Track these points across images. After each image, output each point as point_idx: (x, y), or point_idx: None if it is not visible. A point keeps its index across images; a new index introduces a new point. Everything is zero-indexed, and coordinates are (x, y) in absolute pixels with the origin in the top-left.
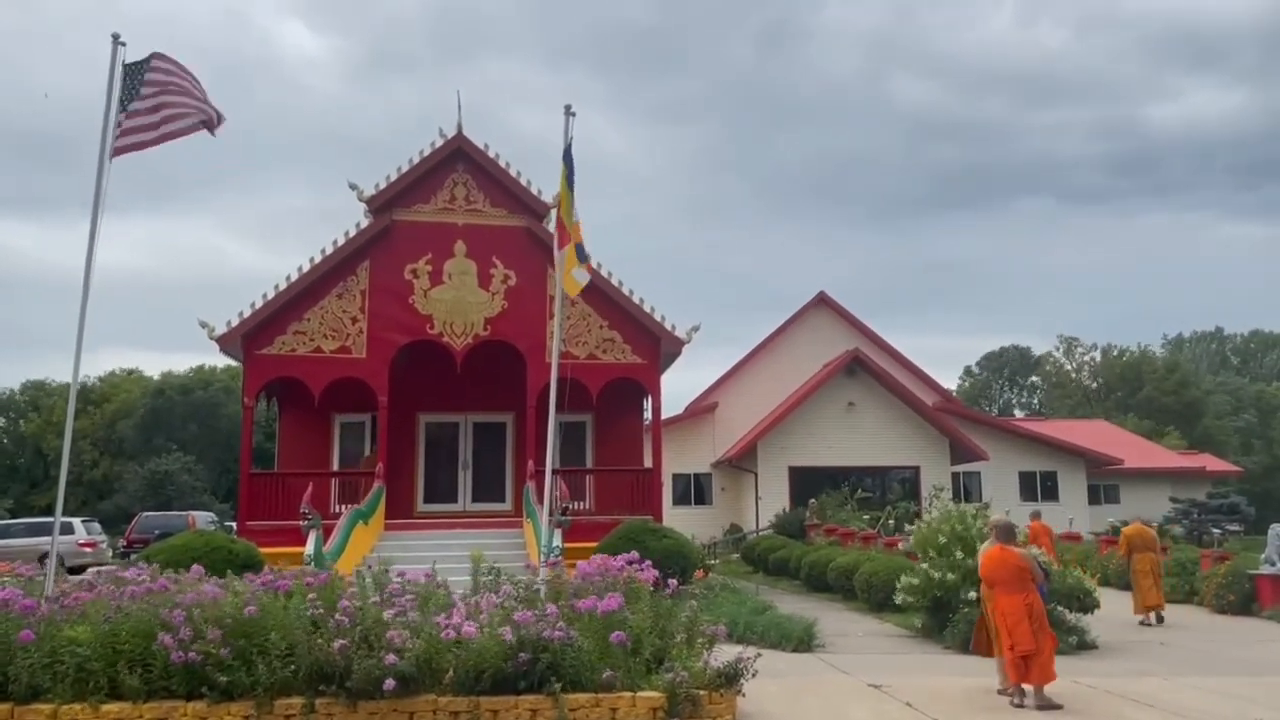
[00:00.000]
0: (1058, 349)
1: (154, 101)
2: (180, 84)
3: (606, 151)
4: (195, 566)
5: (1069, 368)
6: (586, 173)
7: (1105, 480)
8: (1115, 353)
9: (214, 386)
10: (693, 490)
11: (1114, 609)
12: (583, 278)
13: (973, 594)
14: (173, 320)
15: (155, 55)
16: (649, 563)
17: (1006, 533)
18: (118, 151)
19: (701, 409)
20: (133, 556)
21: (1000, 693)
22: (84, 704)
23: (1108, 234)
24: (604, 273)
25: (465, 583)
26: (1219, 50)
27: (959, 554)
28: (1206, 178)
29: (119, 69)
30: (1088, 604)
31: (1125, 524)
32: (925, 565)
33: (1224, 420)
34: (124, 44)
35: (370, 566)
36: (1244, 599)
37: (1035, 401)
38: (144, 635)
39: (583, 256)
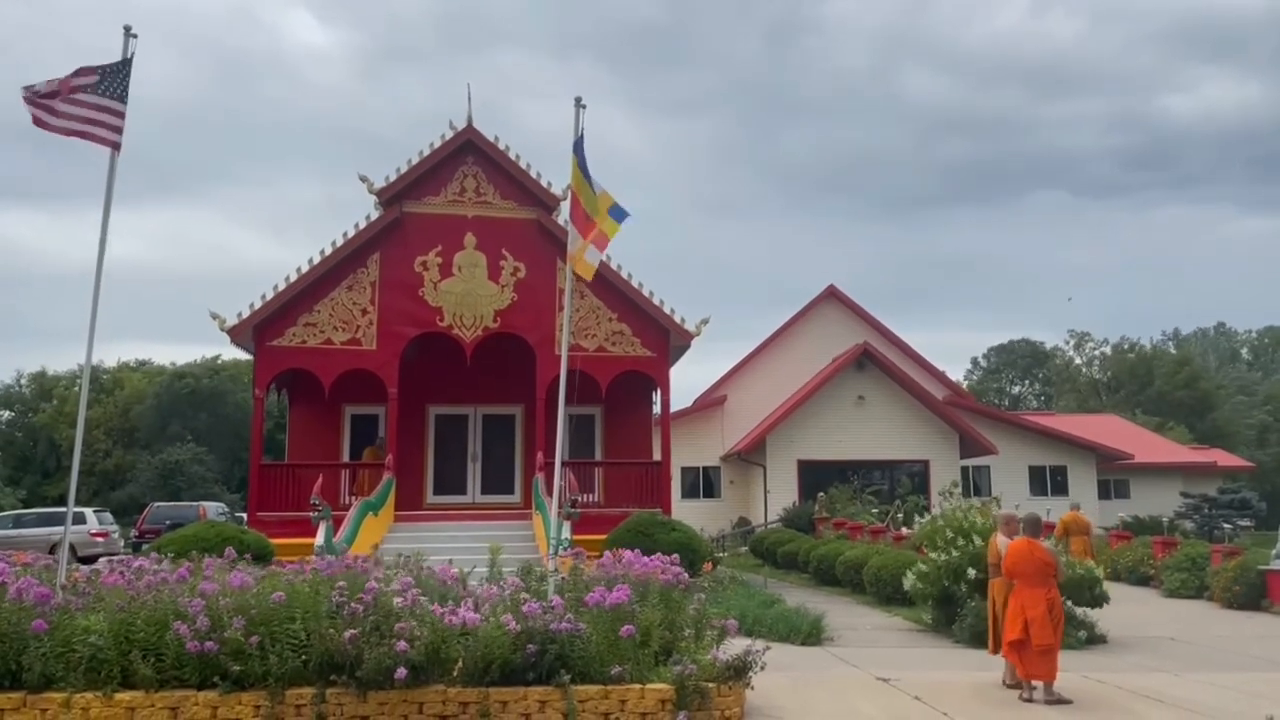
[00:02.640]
0: (1067, 343)
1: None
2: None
3: (616, 145)
4: (225, 551)
5: (1079, 362)
6: (596, 167)
7: (1115, 475)
8: (1127, 347)
9: (222, 375)
10: (701, 483)
11: (1124, 604)
12: (594, 258)
13: (971, 572)
14: (182, 312)
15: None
16: (675, 557)
17: (1033, 527)
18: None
19: (710, 402)
20: (144, 547)
21: (1010, 686)
22: (96, 693)
23: (1122, 228)
24: (614, 266)
25: (478, 574)
26: (1234, 41)
27: (961, 541)
28: (1223, 171)
29: (131, 61)
30: (1098, 598)
31: (1134, 518)
32: (934, 554)
33: (1237, 415)
34: (135, 36)
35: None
36: (1254, 594)
37: (1046, 395)
38: (158, 625)
39: (619, 215)
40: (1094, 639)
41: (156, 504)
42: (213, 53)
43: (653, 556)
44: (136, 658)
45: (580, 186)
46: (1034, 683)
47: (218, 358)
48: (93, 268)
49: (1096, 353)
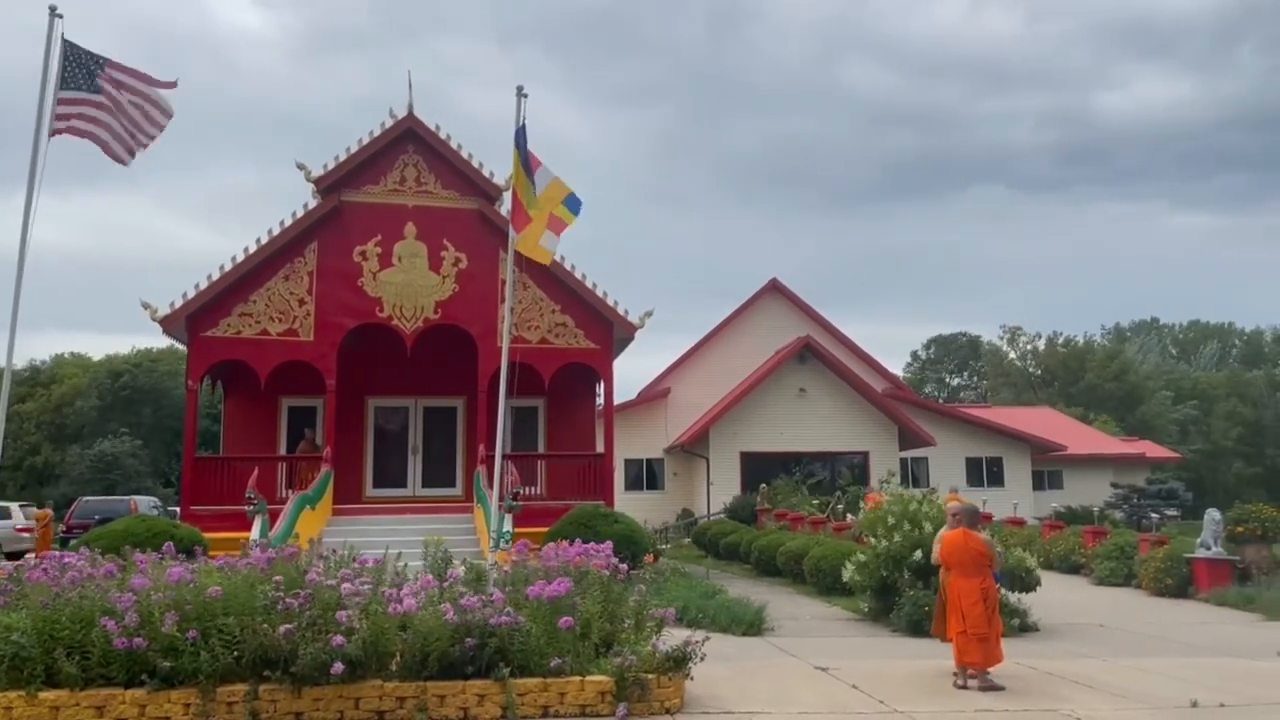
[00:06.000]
0: (1001, 338)
1: (103, 111)
2: (130, 103)
3: (560, 134)
4: (164, 546)
5: (1012, 355)
6: (541, 155)
7: (1049, 466)
8: (1061, 341)
9: (161, 370)
10: (645, 475)
11: (1055, 592)
12: (552, 244)
13: (918, 554)
14: (115, 301)
15: (108, 62)
16: (608, 545)
17: (970, 517)
18: (57, 131)
19: (654, 394)
20: (72, 542)
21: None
22: (19, 692)
23: (1058, 223)
24: (557, 257)
25: (417, 568)
26: (1165, 40)
27: (906, 526)
28: (1156, 167)
29: (57, 42)
30: (1029, 582)
31: (1066, 508)
32: (874, 541)
33: (1164, 408)
34: (60, 16)
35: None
36: (1181, 582)
37: (983, 388)
38: (84, 622)
39: (574, 205)
40: (1026, 627)
41: (85, 498)
42: (143, 33)
43: (587, 543)
44: (61, 656)
45: (519, 180)
46: (970, 670)
47: (168, 348)
48: (17, 255)
49: (1029, 346)
